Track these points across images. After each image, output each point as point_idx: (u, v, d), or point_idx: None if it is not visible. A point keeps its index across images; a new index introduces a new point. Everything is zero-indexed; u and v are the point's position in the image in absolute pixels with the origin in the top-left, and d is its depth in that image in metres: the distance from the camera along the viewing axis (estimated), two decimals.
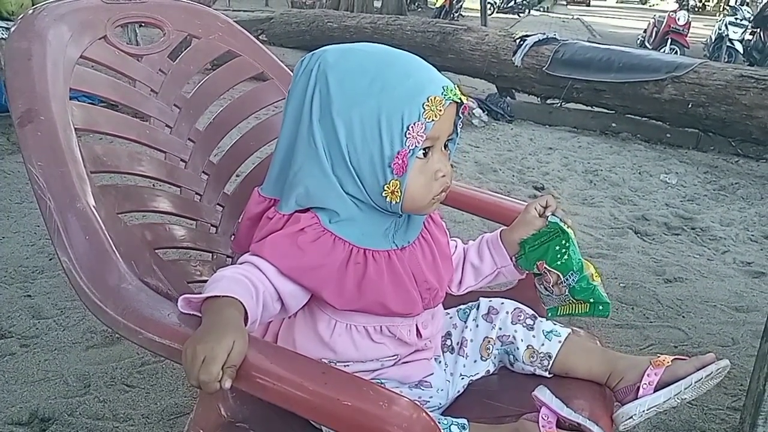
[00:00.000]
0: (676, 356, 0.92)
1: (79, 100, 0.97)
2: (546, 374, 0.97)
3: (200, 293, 0.74)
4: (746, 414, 1.57)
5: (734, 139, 4.52)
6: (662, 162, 4.26)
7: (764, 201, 3.58)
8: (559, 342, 0.96)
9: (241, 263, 0.81)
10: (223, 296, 0.71)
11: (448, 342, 1.00)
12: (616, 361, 0.95)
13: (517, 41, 5.46)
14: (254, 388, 0.68)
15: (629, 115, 4.94)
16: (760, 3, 11.68)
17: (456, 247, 1.01)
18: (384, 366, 0.88)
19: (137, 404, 1.54)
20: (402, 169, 0.77)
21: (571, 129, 5.01)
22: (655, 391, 0.89)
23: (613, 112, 5.01)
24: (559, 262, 0.92)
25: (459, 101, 0.80)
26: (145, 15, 1.11)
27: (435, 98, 0.76)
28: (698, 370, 0.88)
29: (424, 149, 0.79)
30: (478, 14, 11.51)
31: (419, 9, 14.24)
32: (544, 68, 5.17)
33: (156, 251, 1.00)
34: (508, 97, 5.53)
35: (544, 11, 21.08)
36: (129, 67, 1.09)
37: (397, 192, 0.79)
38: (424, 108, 0.76)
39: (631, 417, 0.89)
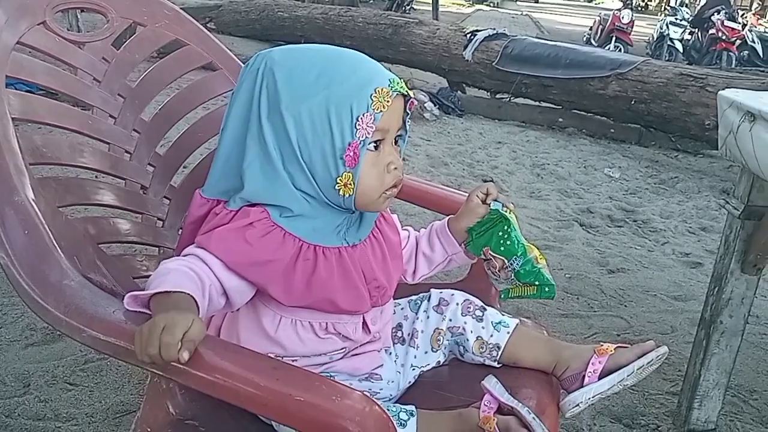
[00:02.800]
0: (619, 344, 0.96)
1: (16, 88, 0.93)
2: (495, 364, 0.99)
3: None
4: (683, 398, 1.65)
5: (674, 135, 4.70)
6: (606, 156, 4.39)
7: (701, 194, 3.74)
8: (508, 333, 0.99)
9: (185, 255, 0.79)
10: (173, 292, 0.70)
11: (399, 333, 1.00)
12: (561, 350, 0.98)
13: (468, 36, 5.51)
14: (203, 385, 0.67)
15: (575, 111, 5.08)
16: (698, 4, 12.16)
17: (408, 237, 1.01)
18: (333, 360, 0.88)
19: (81, 403, 1.49)
20: (354, 161, 0.78)
21: (519, 123, 5.10)
22: (599, 379, 0.92)
23: (560, 107, 5.13)
24: (502, 248, 0.94)
25: (405, 94, 0.82)
26: (88, 0, 1.07)
27: (382, 89, 0.78)
28: (639, 357, 0.92)
29: (375, 142, 0.80)
30: (430, 8, 11.57)
31: (371, 0, 14.22)
32: (493, 63, 5.25)
33: (99, 246, 0.97)
34: (459, 92, 5.59)
35: (494, 6, 21.36)
36: (70, 54, 1.05)
37: (349, 185, 0.79)
38: (372, 99, 0.77)
39: (578, 405, 0.92)
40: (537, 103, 5.26)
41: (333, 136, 0.77)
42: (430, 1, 11.67)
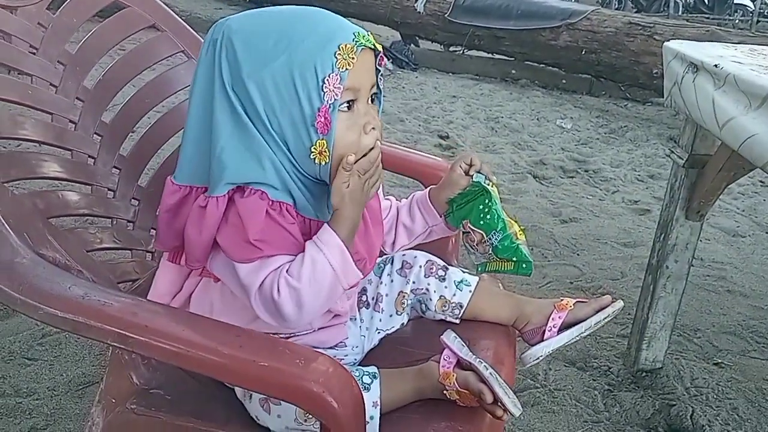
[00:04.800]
0: (578, 299, 0.99)
1: None
2: (456, 321, 1.01)
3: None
4: (633, 340, 1.73)
5: (623, 84, 4.79)
6: (558, 107, 4.45)
7: (649, 143, 3.85)
8: (470, 291, 1.01)
9: (267, 278, 0.76)
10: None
11: (364, 298, 1.01)
12: (523, 305, 1.01)
13: None
14: (168, 356, 0.68)
15: (528, 62, 5.10)
16: None
17: (390, 207, 1.00)
18: (298, 335, 0.87)
19: (41, 377, 1.47)
20: (326, 127, 0.74)
21: (473, 76, 5.11)
22: (558, 333, 0.96)
23: (513, 59, 5.15)
24: (482, 222, 0.93)
25: (373, 48, 0.78)
26: None
27: (346, 46, 0.74)
28: (597, 312, 0.95)
29: (347, 102, 0.77)
30: None
31: None
32: (446, 15, 5.20)
33: (50, 220, 0.94)
34: (412, 45, 5.54)
35: None
36: (1, 21, 0.99)
37: (325, 153, 0.75)
38: (336, 57, 0.73)
39: (538, 358, 0.96)
40: (490, 56, 5.26)
41: (300, 102, 0.74)
42: None
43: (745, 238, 2.65)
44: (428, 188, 1.00)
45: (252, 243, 0.74)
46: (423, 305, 1.02)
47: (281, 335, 0.84)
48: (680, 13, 9.52)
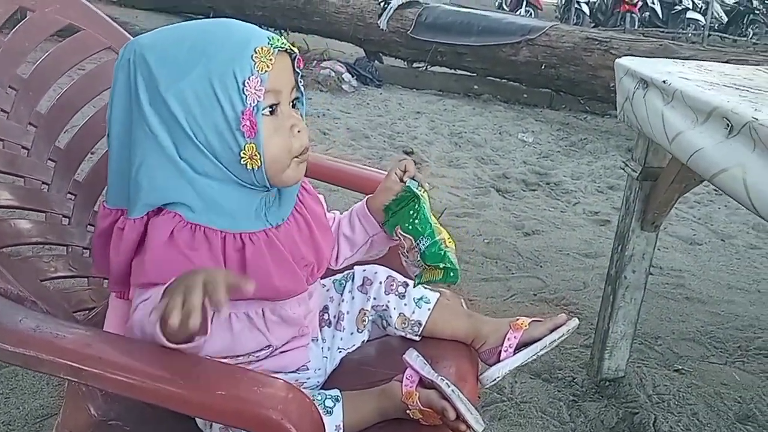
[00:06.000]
0: (534, 318, 1.00)
1: None
2: (416, 338, 1.01)
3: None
4: (595, 350, 1.76)
5: (582, 98, 4.90)
6: (520, 121, 4.53)
7: (608, 154, 3.94)
8: (429, 309, 1.01)
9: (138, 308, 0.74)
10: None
11: (326, 316, 1.00)
12: (480, 325, 1.01)
13: (382, 4, 5.49)
14: (123, 389, 0.66)
15: (489, 77, 5.19)
16: None
17: (334, 220, 1.00)
18: (259, 359, 0.86)
19: None
20: (252, 130, 0.74)
21: (437, 92, 5.17)
22: (515, 353, 0.97)
23: (475, 74, 5.23)
24: (411, 227, 0.93)
25: (290, 51, 0.78)
26: None
27: (263, 48, 0.74)
28: (552, 331, 0.97)
29: (270, 107, 0.76)
30: None
31: None
32: (408, 32, 5.26)
33: (1, 250, 0.92)
34: (377, 61, 5.58)
35: None
36: None
37: (255, 156, 0.75)
38: (254, 60, 0.73)
39: (495, 378, 0.97)
40: (453, 71, 5.33)
41: (223, 108, 0.73)
42: None
43: (701, 246, 2.73)
44: (366, 197, 0.99)
45: (144, 267, 0.74)
46: (384, 321, 1.02)
47: (240, 362, 0.83)
48: (636, 27, 9.82)
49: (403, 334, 1.01)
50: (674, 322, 2.10)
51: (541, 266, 2.42)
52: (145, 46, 0.75)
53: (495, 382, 0.97)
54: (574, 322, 0.99)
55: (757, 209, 1.03)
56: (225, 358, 0.81)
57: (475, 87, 5.21)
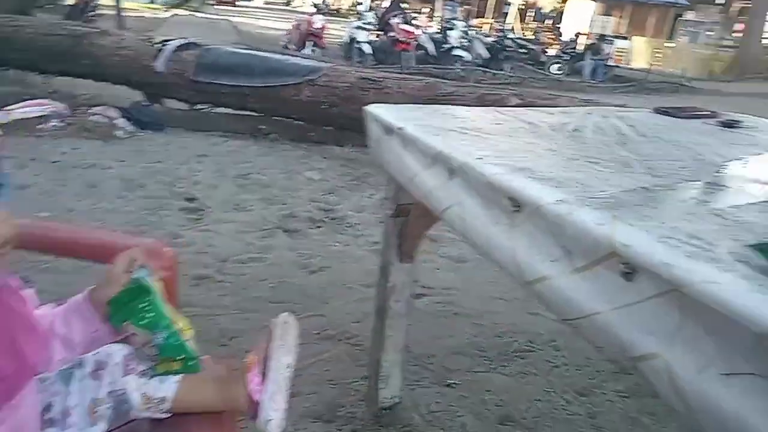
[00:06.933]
0: (257, 346, 1.01)
1: None
2: (164, 416, 0.96)
3: None
4: (372, 381, 1.85)
5: (364, 134, 5.16)
6: (307, 159, 4.64)
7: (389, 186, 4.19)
8: (176, 383, 0.96)
9: None
10: None
11: (49, 416, 0.90)
12: (226, 387, 0.99)
13: (157, 47, 5.29)
14: None
15: (276, 117, 5.25)
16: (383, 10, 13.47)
17: (48, 316, 0.92)
18: None
19: None
20: None
21: (223, 134, 5.09)
22: (264, 386, 0.95)
23: (262, 114, 5.26)
24: (143, 322, 0.90)
25: None
26: None
27: None
28: (271, 341, 0.98)
29: None
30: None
31: (50, 6, 12.58)
32: (189, 76, 5.13)
33: None
34: (157, 104, 5.35)
35: (191, 11, 20.77)
36: None
37: None
38: None
39: (270, 419, 0.94)
40: (238, 112, 5.30)
41: None
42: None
43: (467, 263, 3.00)
44: (88, 288, 0.94)
45: None
46: (125, 406, 0.94)
47: None
48: (414, 63, 10.67)
49: (149, 414, 0.95)
50: (445, 338, 2.28)
51: (326, 303, 2.48)
52: None
53: (274, 421, 0.93)
54: (282, 318, 1.01)
55: (477, 245, 1.18)
56: None
57: (262, 127, 5.22)
